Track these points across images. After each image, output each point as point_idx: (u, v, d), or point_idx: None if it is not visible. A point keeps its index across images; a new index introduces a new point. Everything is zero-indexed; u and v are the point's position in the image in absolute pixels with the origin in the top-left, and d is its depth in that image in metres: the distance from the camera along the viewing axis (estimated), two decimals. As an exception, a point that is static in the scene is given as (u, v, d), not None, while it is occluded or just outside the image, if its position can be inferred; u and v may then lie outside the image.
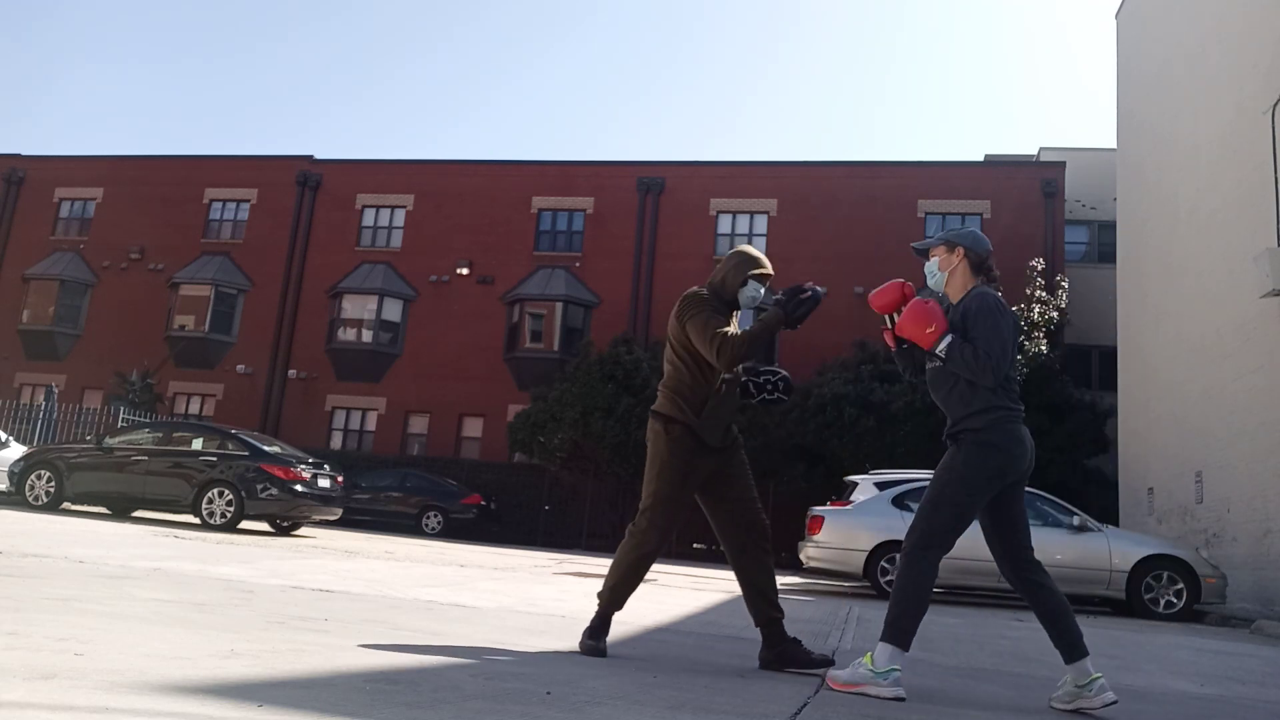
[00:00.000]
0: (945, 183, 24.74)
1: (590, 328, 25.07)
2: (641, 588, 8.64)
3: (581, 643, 3.95)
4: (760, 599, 3.96)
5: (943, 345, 3.60)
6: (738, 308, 4.00)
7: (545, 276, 25.90)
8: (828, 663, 3.90)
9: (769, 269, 3.99)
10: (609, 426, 20.51)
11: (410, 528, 20.62)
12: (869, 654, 3.52)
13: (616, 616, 4.08)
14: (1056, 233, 23.73)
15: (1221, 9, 14.63)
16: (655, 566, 13.40)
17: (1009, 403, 3.60)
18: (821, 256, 24.22)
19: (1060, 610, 3.56)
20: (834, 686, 3.52)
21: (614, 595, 3.98)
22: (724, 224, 25.71)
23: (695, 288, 4.02)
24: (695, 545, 21.75)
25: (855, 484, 11.65)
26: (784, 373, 4.09)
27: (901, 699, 3.40)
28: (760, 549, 3.96)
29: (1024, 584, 3.64)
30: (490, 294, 26.17)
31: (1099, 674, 3.54)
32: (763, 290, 3.96)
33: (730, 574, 11.73)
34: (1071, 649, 3.54)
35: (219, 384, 27.08)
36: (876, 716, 3.09)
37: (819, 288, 3.87)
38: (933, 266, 3.86)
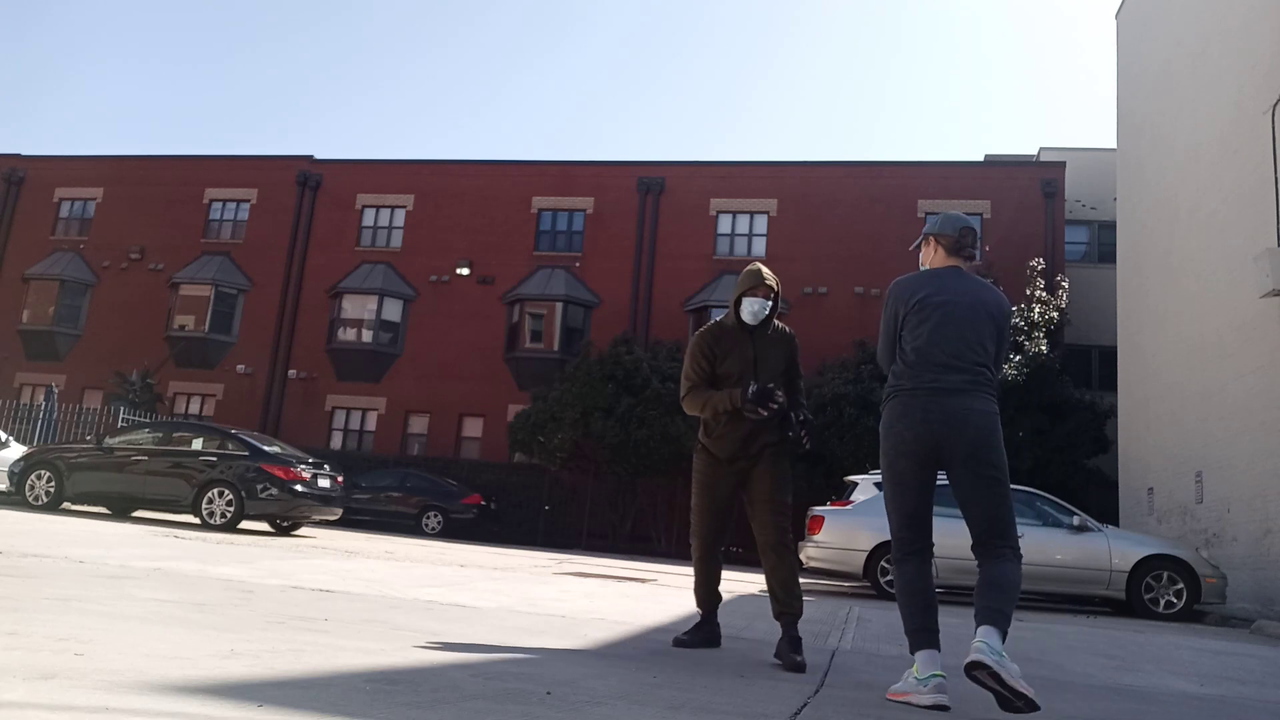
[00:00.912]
0: (945, 183, 24.71)
1: (590, 328, 25.05)
2: (641, 588, 8.66)
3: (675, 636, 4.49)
4: (772, 596, 4.26)
5: None
6: (748, 323, 4.39)
7: (545, 276, 25.89)
8: (799, 668, 3.94)
9: (761, 283, 4.34)
10: (609, 426, 20.50)
11: (410, 528, 20.61)
12: (914, 665, 3.41)
13: (616, 617, 4.14)
14: (1056, 233, 23.71)
15: (1221, 9, 14.62)
16: (655, 566, 13.43)
17: (901, 381, 3.59)
18: (821, 256, 24.24)
19: (1001, 581, 3.28)
20: (888, 697, 3.47)
21: (697, 596, 4.53)
22: (724, 224, 25.69)
23: (708, 324, 4.50)
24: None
25: (855, 484, 11.66)
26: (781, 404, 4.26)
27: (942, 707, 3.24)
28: (769, 551, 4.23)
29: (982, 557, 3.42)
30: (490, 294, 26.15)
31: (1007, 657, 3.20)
32: (760, 304, 4.35)
33: (729, 574, 11.72)
34: (987, 614, 3.23)
35: (219, 384, 27.07)
36: (877, 717, 3.09)
37: (781, 400, 4.21)
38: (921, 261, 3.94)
